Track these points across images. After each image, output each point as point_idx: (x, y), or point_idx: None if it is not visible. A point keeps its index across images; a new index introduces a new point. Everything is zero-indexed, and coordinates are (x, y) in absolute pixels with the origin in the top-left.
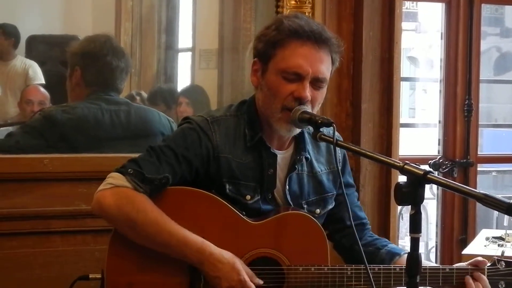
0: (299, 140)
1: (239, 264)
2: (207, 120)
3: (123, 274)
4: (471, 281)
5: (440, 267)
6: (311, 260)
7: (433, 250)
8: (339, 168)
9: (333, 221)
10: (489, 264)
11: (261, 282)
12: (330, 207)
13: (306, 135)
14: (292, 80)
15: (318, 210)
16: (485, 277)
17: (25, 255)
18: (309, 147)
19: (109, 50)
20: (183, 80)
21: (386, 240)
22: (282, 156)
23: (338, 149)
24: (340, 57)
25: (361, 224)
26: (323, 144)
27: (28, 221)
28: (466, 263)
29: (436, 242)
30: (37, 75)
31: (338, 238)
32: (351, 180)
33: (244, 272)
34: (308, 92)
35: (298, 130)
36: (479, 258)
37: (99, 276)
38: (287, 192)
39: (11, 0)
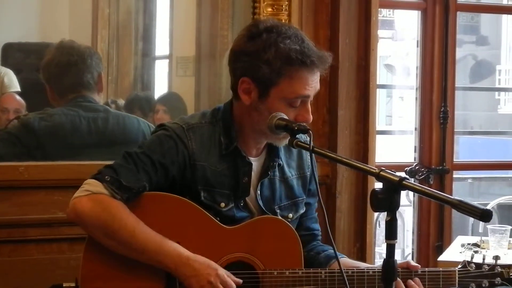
0: (272, 146)
1: (215, 264)
2: (182, 127)
3: (98, 280)
4: (402, 284)
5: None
6: (286, 264)
7: (409, 257)
8: (315, 173)
9: None
10: (459, 266)
11: (240, 281)
12: (302, 211)
13: None
14: (296, 106)
15: (291, 215)
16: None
17: (1, 264)
18: (281, 152)
19: (57, 52)
20: (160, 87)
21: (329, 246)
22: (256, 163)
23: (308, 155)
24: None
25: (312, 235)
26: (295, 150)
27: (4, 229)
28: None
29: (412, 249)
30: (13, 82)
31: None
32: (315, 189)
33: (222, 269)
34: (310, 115)
35: (288, 139)
36: (411, 262)
37: (73, 284)
38: (259, 198)
39: None
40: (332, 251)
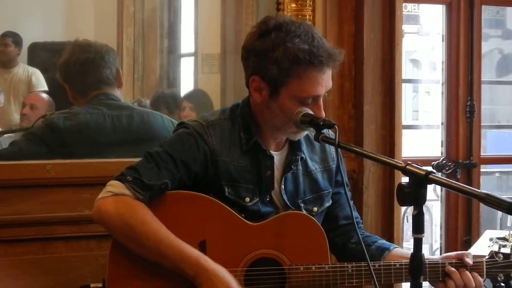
0: (293, 140)
1: (234, 281)
2: (202, 124)
3: (124, 281)
4: (452, 269)
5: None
6: (312, 259)
7: (438, 252)
8: (340, 166)
9: (327, 220)
10: (487, 257)
11: None
12: (327, 204)
13: None
14: (308, 103)
15: (315, 208)
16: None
17: (29, 262)
18: (303, 146)
19: (73, 51)
20: (186, 84)
21: (377, 237)
22: (278, 157)
23: (332, 147)
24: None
25: (354, 223)
26: (317, 143)
27: (32, 227)
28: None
29: (440, 243)
30: (40, 82)
31: (331, 237)
32: (346, 179)
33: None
34: (323, 111)
35: (305, 133)
36: (466, 258)
37: (100, 285)
38: (283, 192)
39: (13, 8)
40: (384, 241)
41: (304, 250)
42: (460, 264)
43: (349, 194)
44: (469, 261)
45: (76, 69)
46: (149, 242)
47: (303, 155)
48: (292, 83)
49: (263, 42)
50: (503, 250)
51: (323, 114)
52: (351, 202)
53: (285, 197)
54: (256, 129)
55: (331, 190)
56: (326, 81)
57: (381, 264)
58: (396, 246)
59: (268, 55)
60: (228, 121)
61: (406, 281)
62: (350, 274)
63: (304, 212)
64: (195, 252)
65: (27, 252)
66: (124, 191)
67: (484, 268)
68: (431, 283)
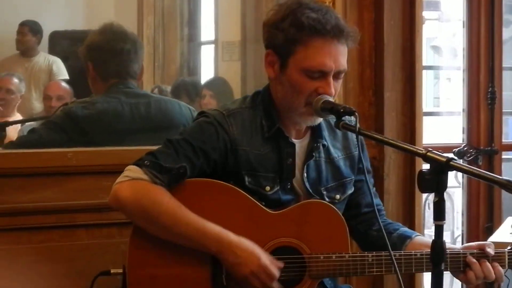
0: (315, 127)
1: (259, 250)
2: (223, 114)
3: (145, 267)
4: (473, 260)
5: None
6: (332, 248)
7: (459, 239)
8: (360, 153)
9: (349, 207)
10: (509, 247)
11: (281, 265)
12: (350, 192)
13: (322, 121)
14: (316, 77)
15: (338, 196)
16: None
17: (51, 249)
18: (325, 133)
19: (110, 36)
20: (206, 72)
21: (399, 224)
22: (300, 145)
23: (354, 135)
24: (355, 43)
25: (377, 210)
26: (340, 131)
27: (53, 215)
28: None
29: (462, 230)
30: (61, 70)
31: (353, 224)
32: (368, 166)
33: (265, 256)
34: (333, 88)
35: (320, 120)
36: (487, 248)
37: (120, 271)
38: (306, 180)
39: None
40: (406, 229)
41: (325, 239)
42: (482, 254)
43: (371, 181)
44: (491, 251)
45: (110, 55)
46: (168, 222)
47: (325, 142)
48: (299, 53)
49: (275, 14)
50: None
51: (332, 91)
52: (373, 189)
53: (307, 184)
54: (278, 116)
55: (353, 178)
56: (335, 56)
57: (402, 253)
58: (418, 234)
59: (278, 25)
60: (249, 110)
61: (427, 270)
62: (370, 263)
63: (327, 199)
64: (216, 228)
65: (49, 240)
66: (142, 175)
67: (506, 258)
68: (452, 273)
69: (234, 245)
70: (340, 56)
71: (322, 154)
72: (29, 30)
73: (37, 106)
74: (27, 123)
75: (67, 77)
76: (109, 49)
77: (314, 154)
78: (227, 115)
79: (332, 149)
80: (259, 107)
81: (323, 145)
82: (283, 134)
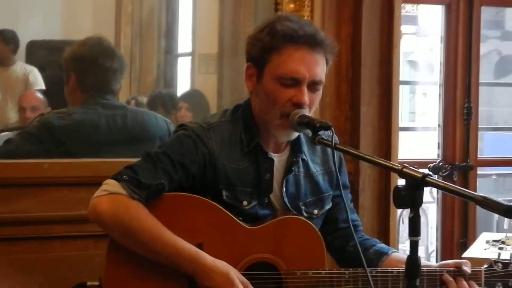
0: (295, 142)
1: (233, 274)
2: (202, 127)
3: (122, 281)
4: (450, 278)
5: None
6: (309, 264)
7: (434, 254)
8: (336, 169)
9: (326, 223)
10: (485, 266)
11: None
12: (328, 207)
13: (302, 136)
14: (290, 86)
15: (316, 211)
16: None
17: (27, 260)
18: (305, 148)
19: (100, 52)
20: (182, 85)
21: (376, 240)
22: (279, 159)
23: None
24: (334, 56)
25: (354, 226)
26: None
27: (29, 226)
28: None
29: (436, 246)
30: (38, 80)
31: (330, 239)
32: (346, 181)
33: (239, 281)
34: (306, 97)
35: (296, 134)
36: (464, 266)
37: (97, 283)
38: (284, 194)
39: (11, 6)
40: (383, 245)
41: (301, 255)
42: (458, 272)
43: (349, 196)
44: (467, 269)
45: (96, 70)
46: (144, 239)
47: (305, 157)
48: (273, 60)
49: (257, 28)
50: (502, 254)
51: (306, 101)
52: (351, 205)
53: (286, 199)
54: (257, 131)
55: (331, 193)
56: (309, 64)
57: (378, 270)
58: (395, 250)
59: (256, 36)
60: (229, 123)
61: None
62: (346, 280)
63: (305, 214)
64: (192, 249)
65: (25, 251)
66: (120, 190)
67: (483, 277)
68: None
69: (209, 268)
70: (314, 65)
71: (301, 169)
72: (1, 40)
73: (13, 116)
74: (2, 133)
75: (43, 87)
76: (97, 64)
77: (293, 168)
78: (207, 129)
79: (311, 164)
80: (239, 121)
81: (303, 160)
82: (262, 149)
